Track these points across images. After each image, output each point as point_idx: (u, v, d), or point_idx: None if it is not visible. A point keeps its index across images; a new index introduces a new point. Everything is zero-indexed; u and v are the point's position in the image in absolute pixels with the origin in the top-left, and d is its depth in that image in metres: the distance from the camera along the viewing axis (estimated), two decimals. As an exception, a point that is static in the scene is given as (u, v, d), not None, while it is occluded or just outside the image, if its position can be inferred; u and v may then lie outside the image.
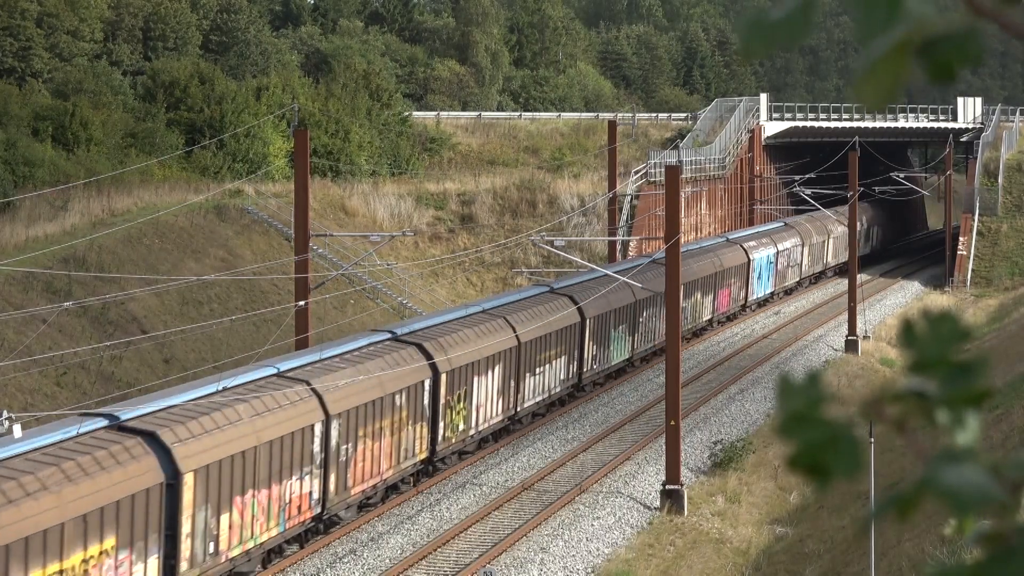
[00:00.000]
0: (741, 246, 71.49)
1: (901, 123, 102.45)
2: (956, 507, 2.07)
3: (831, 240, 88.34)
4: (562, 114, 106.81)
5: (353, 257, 63.70)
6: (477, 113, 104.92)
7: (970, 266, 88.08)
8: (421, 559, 33.73)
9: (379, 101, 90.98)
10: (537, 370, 46.19)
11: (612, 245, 67.98)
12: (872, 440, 27.59)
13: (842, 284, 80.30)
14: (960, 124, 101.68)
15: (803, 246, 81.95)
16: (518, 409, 44.85)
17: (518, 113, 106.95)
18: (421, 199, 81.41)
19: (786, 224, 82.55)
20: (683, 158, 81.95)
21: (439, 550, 34.47)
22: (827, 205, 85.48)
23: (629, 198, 79.21)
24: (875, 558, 28.36)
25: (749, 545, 37.41)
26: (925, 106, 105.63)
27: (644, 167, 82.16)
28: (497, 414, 43.34)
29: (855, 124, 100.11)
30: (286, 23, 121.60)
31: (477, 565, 33.04)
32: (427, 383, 38.47)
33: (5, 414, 26.87)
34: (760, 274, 73.24)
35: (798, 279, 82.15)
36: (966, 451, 2.11)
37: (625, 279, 51.56)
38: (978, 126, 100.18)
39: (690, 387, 53.27)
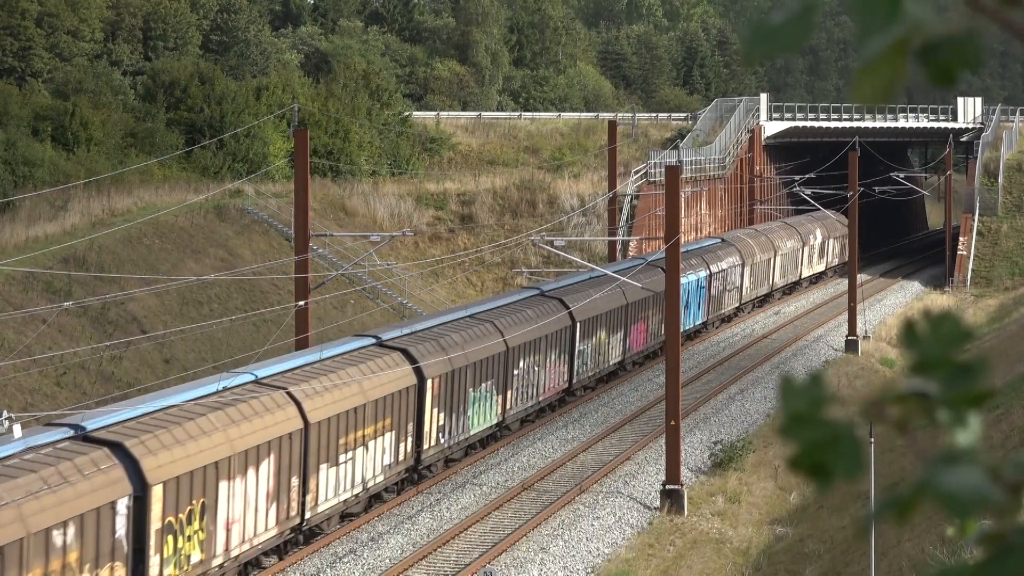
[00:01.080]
0: (662, 269, 60.27)
1: (901, 123, 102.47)
2: (954, 510, 2.08)
3: (778, 258, 77.48)
4: (562, 114, 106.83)
5: (353, 257, 63.71)
6: (477, 113, 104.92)
7: (970, 266, 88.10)
8: (421, 559, 33.74)
9: (379, 101, 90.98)
10: (342, 458, 34.57)
11: (612, 245, 67.97)
12: (872, 440, 27.59)
13: (842, 284, 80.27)
14: (960, 124, 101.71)
15: (743, 266, 71.25)
16: (307, 516, 33.36)
17: (518, 113, 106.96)
18: (421, 199, 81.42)
19: (723, 241, 71.51)
20: (683, 158, 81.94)
21: (439, 550, 34.47)
22: (827, 205, 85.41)
23: (629, 198, 79.21)
24: (875, 558, 28.35)
25: (749, 545, 37.42)
26: (925, 106, 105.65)
27: (644, 167, 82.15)
28: (268, 528, 31.64)
29: (855, 124, 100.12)
30: (286, 23, 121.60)
31: (477, 565, 33.04)
32: (124, 503, 26.47)
33: (5, 414, 26.86)
34: (688, 302, 61.57)
35: (737, 304, 71.54)
36: (965, 452, 2.12)
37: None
38: (978, 126, 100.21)
39: (690, 387, 53.28)
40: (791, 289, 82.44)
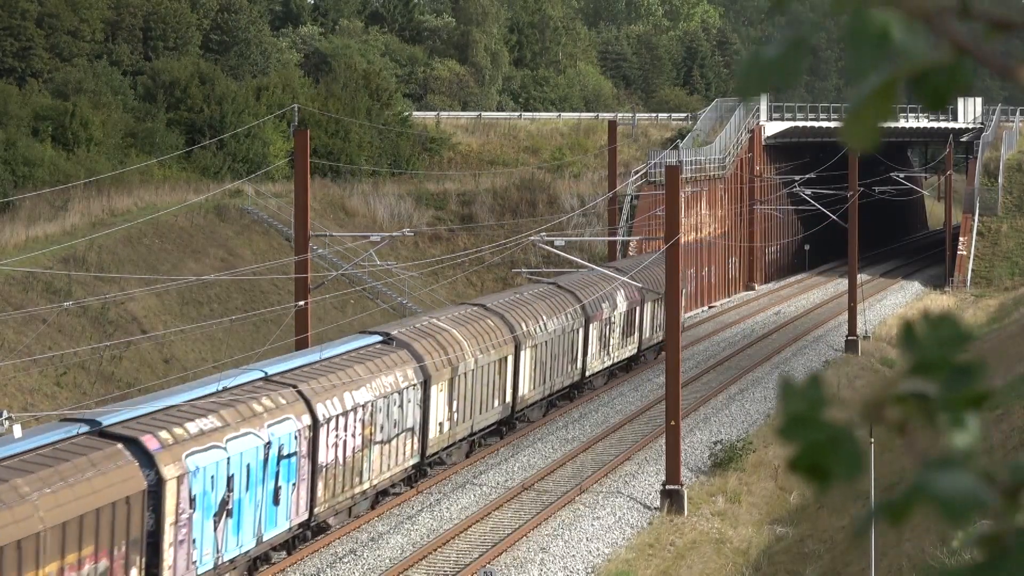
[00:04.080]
0: (130, 450, 27.46)
1: (901, 123, 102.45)
2: (946, 515, 2.09)
3: (526, 352, 45.27)
4: (562, 114, 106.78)
5: (353, 257, 63.71)
6: (477, 113, 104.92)
7: (970, 266, 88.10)
8: (421, 559, 33.75)
9: (379, 101, 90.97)
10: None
11: (612, 245, 67.96)
12: (872, 440, 27.58)
13: (842, 284, 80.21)
14: (960, 124, 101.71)
15: (426, 385, 38.23)
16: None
17: (518, 113, 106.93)
18: (421, 199, 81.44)
19: (386, 340, 38.47)
20: (683, 158, 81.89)
21: (439, 550, 34.48)
22: (827, 205, 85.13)
23: (629, 198, 79.19)
24: (875, 558, 28.36)
25: (749, 545, 37.41)
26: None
27: (644, 167, 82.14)
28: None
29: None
30: (286, 23, 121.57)
31: (477, 565, 33.05)
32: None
33: (5, 414, 26.87)
34: (228, 510, 30.00)
35: (417, 459, 38.42)
36: (959, 456, 2.13)
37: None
38: (978, 126, 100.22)
39: (690, 387, 53.27)
40: (571, 393, 51.60)
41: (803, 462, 2.08)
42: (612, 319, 54.35)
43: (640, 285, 56.51)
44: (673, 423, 38.99)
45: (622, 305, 55.45)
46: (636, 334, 57.79)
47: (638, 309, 57.65)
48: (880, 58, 2.13)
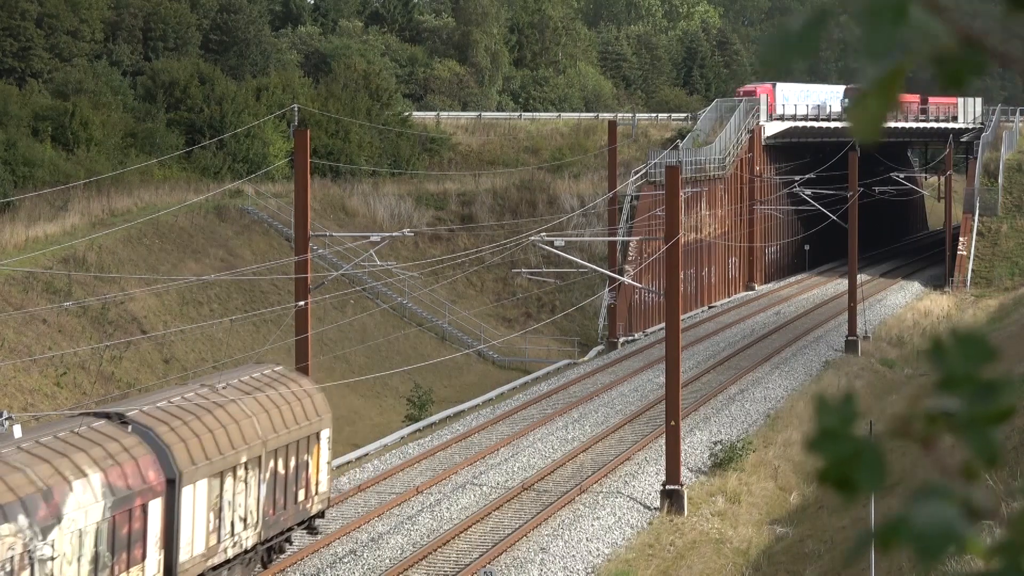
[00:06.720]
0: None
1: (901, 123, 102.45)
2: (922, 553, 2.11)
3: None
4: (562, 114, 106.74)
5: (353, 257, 63.68)
6: (477, 113, 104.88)
7: (970, 266, 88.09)
8: (421, 559, 33.73)
9: (379, 101, 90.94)
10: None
11: (612, 245, 67.93)
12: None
13: (842, 284, 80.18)
14: (960, 124, 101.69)
15: None
16: None
17: (518, 113, 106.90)
18: (421, 199, 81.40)
19: None
20: (683, 158, 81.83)
21: (439, 550, 34.47)
22: (827, 205, 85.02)
23: (629, 198, 79.16)
24: (875, 558, 28.36)
25: (749, 545, 37.40)
26: (925, 107, 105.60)
27: (644, 167, 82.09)
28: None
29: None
30: (286, 23, 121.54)
31: (477, 565, 33.03)
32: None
33: (5, 414, 26.86)
34: None
35: None
36: (944, 488, 2.14)
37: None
38: (978, 126, 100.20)
39: (690, 387, 53.26)
40: None
41: (831, 474, 2.09)
42: (26, 556, 23.28)
43: (165, 443, 27.74)
44: (673, 423, 38.98)
45: (85, 514, 24.75)
46: (152, 557, 27.22)
47: (157, 504, 27.30)
48: (895, 37, 2.13)
